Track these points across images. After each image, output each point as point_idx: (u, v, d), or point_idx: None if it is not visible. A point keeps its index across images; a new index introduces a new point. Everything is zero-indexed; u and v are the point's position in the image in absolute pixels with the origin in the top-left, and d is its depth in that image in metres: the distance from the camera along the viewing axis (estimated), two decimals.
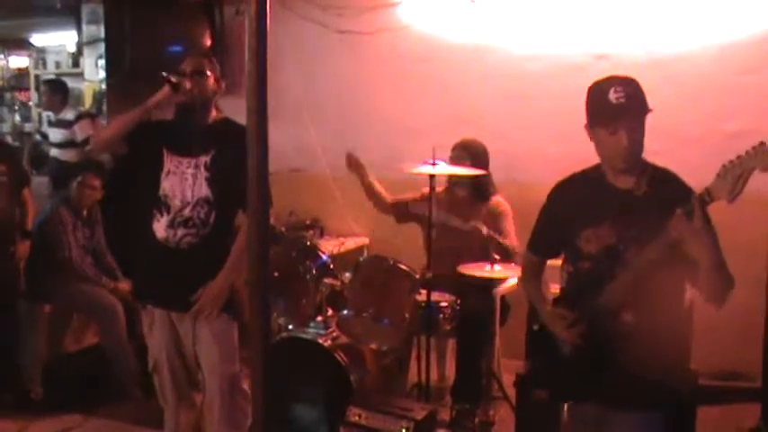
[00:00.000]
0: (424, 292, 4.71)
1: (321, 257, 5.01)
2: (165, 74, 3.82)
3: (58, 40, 9.75)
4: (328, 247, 5.76)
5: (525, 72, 6.28)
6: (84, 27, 7.70)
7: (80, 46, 8.36)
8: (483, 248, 5.14)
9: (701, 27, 5.75)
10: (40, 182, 7.17)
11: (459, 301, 5.01)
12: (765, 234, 4.49)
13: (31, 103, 10.52)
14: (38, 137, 9.02)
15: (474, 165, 5.16)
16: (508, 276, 5.04)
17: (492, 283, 5.09)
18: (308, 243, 5.19)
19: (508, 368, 5.16)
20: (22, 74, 10.79)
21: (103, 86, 7.82)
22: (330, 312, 4.89)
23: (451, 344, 5.41)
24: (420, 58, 6.66)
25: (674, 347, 3.05)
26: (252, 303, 1.77)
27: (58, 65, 10.08)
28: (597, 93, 2.97)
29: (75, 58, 9.38)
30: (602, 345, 3.03)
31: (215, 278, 3.84)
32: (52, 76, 9.26)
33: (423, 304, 4.72)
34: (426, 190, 4.86)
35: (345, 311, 4.69)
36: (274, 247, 5.21)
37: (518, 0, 6.31)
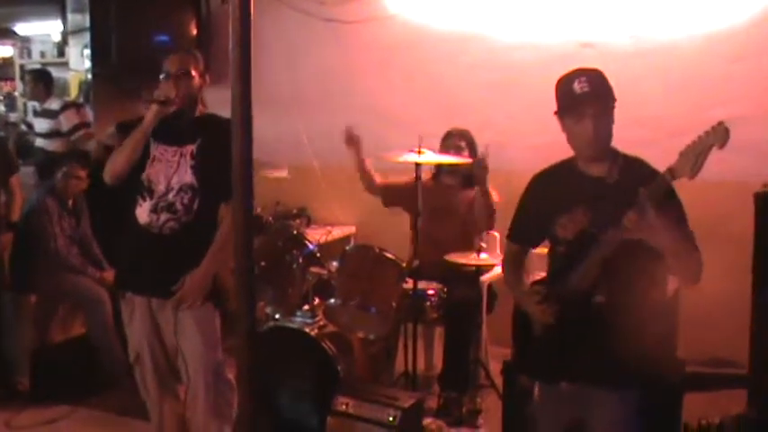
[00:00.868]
0: (410, 280, 4.71)
1: (308, 246, 5.02)
2: (148, 99, 3.85)
3: (42, 30, 9.67)
4: (315, 236, 5.76)
5: (511, 61, 6.28)
6: (69, 16, 7.66)
7: (65, 35, 8.32)
8: (472, 235, 5.16)
9: (687, 16, 5.75)
10: (26, 172, 7.13)
11: (446, 290, 5.02)
12: (751, 223, 4.51)
13: (15, 93, 10.44)
14: (23, 127, 8.97)
15: (471, 152, 5.22)
16: (495, 264, 5.05)
17: (479, 270, 5.10)
18: (295, 232, 5.20)
19: (495, 356, 5.18)
20: (6, 63, 10.69)
21: (89, 76, 7.78)
22: (317, 301, 4.90)
23: (439, 332, 5.42)
24: (406, 48, 6.65)
25: (652, 332, 3.09)
26: (237, 292, 1.76)
27: (42, 54, 10.00)
28: (563, 84, 3.09)
29: (61, 48, 9.31)
30: (574, 325, 3.12)
31: (198, 266, 3.83)
32: (37, 66, 9.19)
33: (410, 293, 4.73)
34: (413, 176, 4.88)
35: (332, 300, 4.70)
36: (261, 236, 5.22)
37: None
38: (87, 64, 7.60)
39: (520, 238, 3.44)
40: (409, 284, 4.73)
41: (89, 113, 7.52)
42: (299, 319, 4.81)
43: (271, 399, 4.65)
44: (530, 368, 3.51)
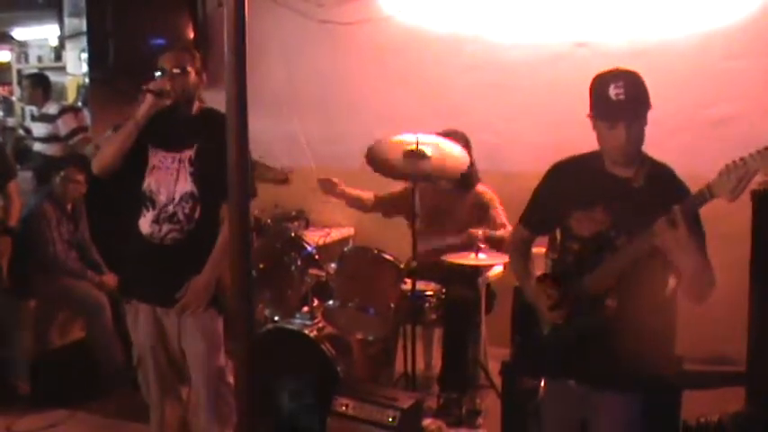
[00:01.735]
0: (409, 281, 4.72)
1: (306, 248, 5.02)
2: (145, 87, 3.80)
3: (39, 34, 9.69)
4: (314, 237, 5.76)
5: (507, 61, 6.29)
6: (66, 20, 7.66)
7: (62, 39, 8.32)
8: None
9: (683, 14, 5.77)
10: (24, 177, 7.13)
11: (444, 290, 5.02)
12: (748, 221, 4.52)
13: (13, 98, 10.45)
14: (21, 132, 8.97)
15: (468, 154, 5.20)
16: (493, 264, 5.06)
17: (477, 271, 5.10)
18: (293, 234, 5.20)
19: (494, 356, 5.18)
20: (3, 68, 10.70)
21: (86, 80, 7.78)
22: (316, 303, 4.90)
23: (438, 333, 5.42)
24: (402, 49, 6.65)
25: (657, 334, 3.09)
26: (234, 294, 1.77)
27: (40, 59, 10.02)
28: (598, 86, 3.00)
29: (58, 52, 9.33)
30: (582, 327, 3.10)
31: (200, 273, 3.83)
32: (34, 71, 9.19)
33: (408, 294, 4.73)
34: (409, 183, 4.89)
35: (331, 302, 4.70)
36: (260, 238, 5.22)
37: None
38: (85, 68, 7.60)
39: (532, 225, 3.40)
40: (408, 285, 4.73)
41: (87, 117, 7.52)
42: (297, 321, 4.82)
43: (271, 400, 4.65)
44: (534, 366, 3.50)
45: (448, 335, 5.09)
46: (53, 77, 8.22)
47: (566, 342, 3.17)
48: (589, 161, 3.16)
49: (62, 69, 8.52)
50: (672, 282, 3.05)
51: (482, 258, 4.91)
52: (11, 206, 5.74)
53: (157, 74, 3.86)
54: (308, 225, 6.79)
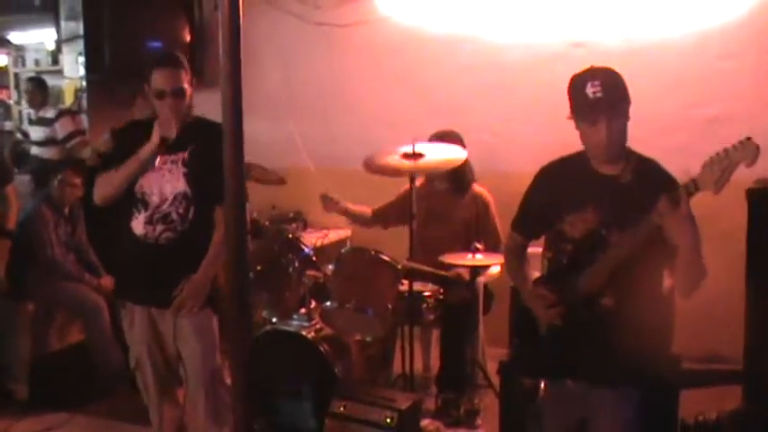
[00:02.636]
0: (406, 282, 4.72)
1: (304, 250, 5.02)
2: (156, 137, 3.73)
3: (36, 38, 9.70)
4: (311, 239, 5.77)
5: (503, 62, 6.29)
6: (63, 24, 7.66)
7: (59, 43, 8.33)
8: (466, 238, 5.16)
9: (678, 14, 5.78)
10: (22, 180, 7.14)
11: (442, 291, 5.03)
12: (744, 220, 4.54)
13: (10, 102, 10.46)
14: (19, 135, 8.97)
15: None
16: (491, 265, 5.06)
17: (475, 271, 5.10)
18: (291, 236, 5.20)
19: (492, 356, 5.18)
20: (0, 72, 10.72)
21: (83, 83, 7.79)
22: (313, 304, 4.90)
23: (436, 333, 5.42)
24: (398, 50, 6.66)
25: (654, 332, 3.10)
26: (231, 296, 1.77)
27: (37, 62, 10.03)
28: (576, 86, 3.03)
29: (55, 56, 9.34)
30: (580, 327, 3.12)
31: (195, 273, 3.84)
32: (31, 74, 9.21)
33: (406, 294, 4.73)
34: (405, 186, 4.89)
35: (329, 303, 4.70)
36: (257, 240, 5.22)
37: None
38: (82, 71, 7.61)
39: (524, 230, 3.42)
40: (405, 286, 4.74)
41: (84, 121, 7.53)
42: (295, 323, 4.82)
43: (268, 402, 4.66)
44: (532, 366, 3.51)
45: (446, 335, 5.09)
46: (50, 81, 8.25)
47: (563, 342, 3.18)
48: (575, 162, 3.18)
49: (59, 73, 8.53)
50: (667, 280, 3.06)
51: (479, 259, 4.91)
52: (8, 209, 5.75)
53: (154, 94, 3.78)
54: (305, 226, 6.80)
